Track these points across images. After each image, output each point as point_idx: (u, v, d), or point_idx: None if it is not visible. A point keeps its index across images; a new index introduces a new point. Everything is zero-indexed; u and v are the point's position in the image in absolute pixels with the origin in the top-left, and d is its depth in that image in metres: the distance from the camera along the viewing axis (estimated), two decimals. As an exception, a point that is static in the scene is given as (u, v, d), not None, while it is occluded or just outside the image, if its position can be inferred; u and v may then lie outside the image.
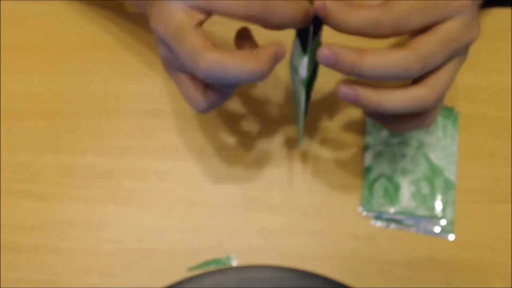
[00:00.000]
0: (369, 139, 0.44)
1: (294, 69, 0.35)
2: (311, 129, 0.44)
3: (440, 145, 0.43)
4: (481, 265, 0.41)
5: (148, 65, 0.46)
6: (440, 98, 0.31)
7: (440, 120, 0.44)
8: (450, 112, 0.44)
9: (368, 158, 0.43)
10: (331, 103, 0.45)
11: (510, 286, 0.41)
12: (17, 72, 0.47)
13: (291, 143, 0.44)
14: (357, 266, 0.42)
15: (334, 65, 0.30)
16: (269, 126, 0.45)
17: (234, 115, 0.45)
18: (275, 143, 0.44)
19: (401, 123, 0.34)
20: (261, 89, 0.46)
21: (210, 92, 0.33)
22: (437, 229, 0.42)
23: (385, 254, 0.42)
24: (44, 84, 0.46)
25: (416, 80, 0.32)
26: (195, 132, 0.45)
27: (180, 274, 0.42)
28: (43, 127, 0.45)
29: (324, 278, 0.41)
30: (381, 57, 0.29)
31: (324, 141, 0.44)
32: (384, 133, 0.44)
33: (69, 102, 0.46)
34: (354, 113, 0.45)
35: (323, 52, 0.29)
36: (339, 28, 0.30)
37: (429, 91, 0.30)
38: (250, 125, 0.45)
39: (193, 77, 0.33)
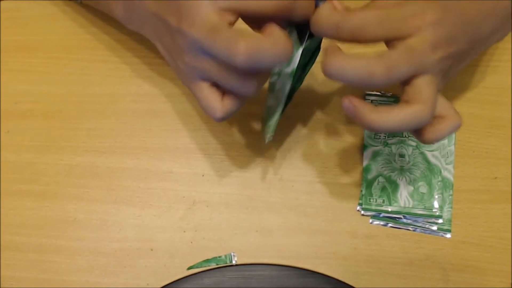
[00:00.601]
0: (368, 139, 0.44)
1: None
2: (310, 129, 0.45)
3: (437, 145, 0.44)
4: (478, 263, 0.41)
5: (148, 66, 0.47)
6: (433, 113, 0.32)
7: (438, 120, 0.44)
8: (447, 112, 0.44)
9: (366, 158, 0.44)
10: (331, 103, 0.45)
11: (508, 285, 0.41)
12: (17, 72, 0.47)
13: (291, 143, 0.44)
14: (355, 264, 0.42)
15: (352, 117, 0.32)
16: (268, 126, 0.45)
17: (234, 115, 0.45)
18: (275, 143, 0.44)
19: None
20: (261, 90, 0.46)
21: (227, 100, 0.34)
22: (434, 228, 0.42)
23: (383, 252, 0.42)
24: (44, 84, 0.47)
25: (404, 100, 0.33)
26: (195, 132, 0.45)
27: (180, 273, 0.42)
28: (43, 127, 0.45)
29: (323, 276, 0.41)
30: (347, 60, 0.30)
31: (323, 141, 0.44)
32: (383, 133, 0.44)
33: (69, 102, 0.46)
34: (352, 113, 0.45)
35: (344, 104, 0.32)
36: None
37: (422, 106, 0.31)
38: (250, 125, 0.45)
39: (213, 85, 0.34)
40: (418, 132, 0.34)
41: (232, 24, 0.31)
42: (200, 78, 0.34)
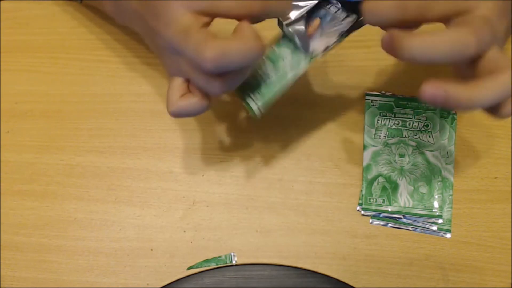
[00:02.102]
0: (368, 139, 0.44)
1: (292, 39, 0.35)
2: (310, 129, 0.45)
3: (437, 145, 0.44)
4: (478, 263, 0.42)
5: (148, 66, 0.47)
6: (480, 48, 0.30)
7: (437, 120, 0.44)
8: (447, 112, 0.44)
9: (366, 158, 0.44)
10: (331, 103, 0.45)
11: (508, 285, 0.41)
12: (17, 72, 0.47)
13: (291, 143, 0.44)
14: (355, 264, 0.42)
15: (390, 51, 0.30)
16: (269, 127, 0.45)
17: (234, 115, 0.45)
18: (275, 143, 0.45)
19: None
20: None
21: (185, 97, 0.34)
22: (434, 228, 0.42)
23: (383, 252, 0.42)
24: (44, 84, 0.47)
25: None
26: (195, 132, 0.45)
27: (180, 273, 0.42)
28: (43, 127, 0.45)
29: (323, 276, 0.41)
30: (433, 37, 0.29)
31: (323, 141, 0.44)
32: (383, 133, 0.44)
33: (69, 102, 0.46)
34: (353, 113, 0.45)
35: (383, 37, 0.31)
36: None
37: (472, 36, 0.29)
38: (250, 125, 0.45)
39: (185, 82, 0.35)
40: (496, 106, 0.31)
41: (207, 25, 0.32)
42: (175, 74, 0.35)
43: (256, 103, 0.36)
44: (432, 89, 0.29)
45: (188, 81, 0.35)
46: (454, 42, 0.29)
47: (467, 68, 0.31)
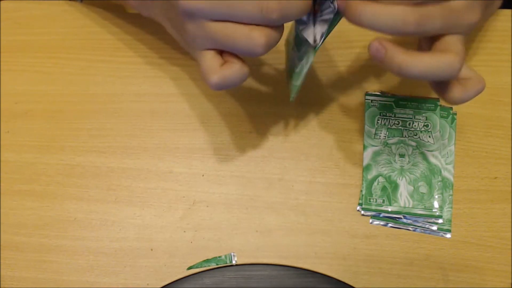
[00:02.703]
0: (368, 139, 0.44)
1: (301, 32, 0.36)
2: (311, 129, 0.45)
3: (437, 145, 0.44)
4: (478, 263, 0.42)
5: (148, 66, 0.47)
6: (461, 67, 0.32)
7: (437, 120, 0.44)
8: (447, 112, 0.44)
9: (366, 158, 0.44)
10: (331, 103, 0.45)
11: (508, 285, 0.41)
12: (17, 72, 0.47)
13: (291, 143, 0.44)
14: (355, 264, 0.42)
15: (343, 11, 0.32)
16: (269, 126, 0.45)
17: (234, 115, 0.45)
18: (275, 143, 0.45)
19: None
20: (261, 89, 0.46)
21: (226, 64, 0.34)
22: (434, 228, 0.42)
23: (383, 252, 0.42)
24: (44, 84, 0.47)
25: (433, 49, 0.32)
26: (195, 132, 0.45)
27: (180, 273, 0.42)
28: (43, 127, 0.45)
29: (323, 276, 0.41)
30: (381, 7, 0.30)
31: (323, 141, 0.44)
32: (383, 133, 0.44)
33: (69, 102, 0.46)
34: (353, 113, 0.45)
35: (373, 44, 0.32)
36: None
37: (456, 57, 0.31)
38: (250, 125, 0.45)
39: (217, 54, 0.34)
40: (444, 89, 0.34)
41: None
42: (204, 47, 0.34)
43: (292, 95, 0.40)
44: (376, 44, 0.32)
45: (220, 53, 0.34)
46: (394, 16, 0.30)
47: (427, 46, 0.34)
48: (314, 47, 0.35)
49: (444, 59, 0.31)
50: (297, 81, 0.38)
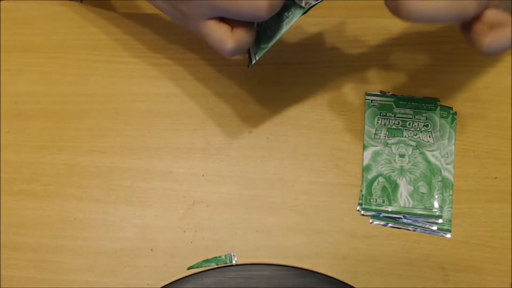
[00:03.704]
0: (368, 139, 0.44)
1: None
2: (311, 129, 0.45)
3: (438, 145, 0.44)
4: (478, 263, 0.42)
5: (148, 66, 0.47)
6: (481, 5, 0.31)
7: (437, 120, 0.44)
8: (447, 112, 0.44)
9: (366, 158, 0.44)
10: (331, 103, 0.45)
11: (508, 285, 0.41)
12: (17, 72, 0.47)
13: (291, 143, 0.44)
14: (355, 264, 0.42)
15: None
16: (269, 126, 0.45)
17: (234, 115, 0.45)
18: (275, 143, 0.45)
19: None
20: (261, 89, 0.46)
21: (237, 30, 0.33)
22: (434, 228, 0.42)
23: (383, 252, 0.42)
24: (44, 84, 0.47)
25: None
26: (195, 132, 0.45)
27: (181, 273, 0.42)
28: (43, 127, 0.45)
29: (323, 276, 0.41)
30: None
31: (323, 141, 0.44)
32: (383, 133, 0.44)
33: (69, 102, 0.46)
34: (353, 113, 0.45)
35: None
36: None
37: None
38: (250, 125, 0.45)
39: (220, 20, 0.33)
40: (470, 34, 0.32)
41: None
42: (204, 17, 0.33)
43: (253, 59, 0.37)
44: None
45: (222, 21, 0.34)
46: (454, 5, 0.29)
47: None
48: (304, 8, 0.34)
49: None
50: (267, 44, 0.36)
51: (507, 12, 0.33)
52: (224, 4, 0.32)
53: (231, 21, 0.34)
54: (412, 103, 0.45)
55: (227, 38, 0.33)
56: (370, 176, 0.43)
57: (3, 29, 0.48)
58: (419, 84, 0.45)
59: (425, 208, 0.42)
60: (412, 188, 0.43)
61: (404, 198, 0.43)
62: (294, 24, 0.35)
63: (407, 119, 0.44)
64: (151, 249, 0.42)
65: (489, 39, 0.31)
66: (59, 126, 0.45)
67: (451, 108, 0.45)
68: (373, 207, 0.43)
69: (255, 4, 0.31)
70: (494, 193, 0.43)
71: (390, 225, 0.43)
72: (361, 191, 0.43)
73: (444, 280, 0.41)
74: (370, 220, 0.43)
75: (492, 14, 0.31)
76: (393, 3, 0.31)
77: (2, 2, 0.49)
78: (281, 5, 0.33)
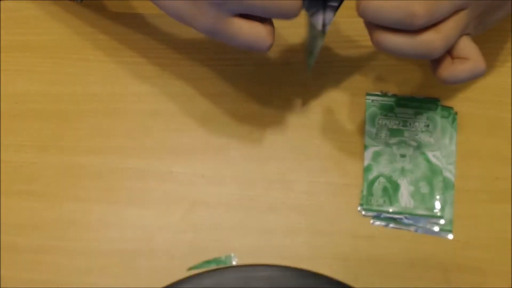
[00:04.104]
0: (368, 139, 0.44)
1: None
2: (310, 129, 0.45)
3: (438, 145, 0.44)
4: (480, 264, 0.41)
5: (148, 66, 0.47)
6: (447, 46, 0.31)
7: (438, 120, 0.44)
8: (448, 112, 0.44)
9: (367, 158, 0.44)
10: (331, 103, 0.45)
11: (509, 286, 0.41)
12: (17, 72, 0.47)
13: (290, 144, 0.44)
14: (356, 265, 0.42)
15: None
16: (269, 126, 0.45)
17: (234, 115, 0.45)
18: (275, 143, 0.44)
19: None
20: (261, 89, 0.46)
21: (269, 26, 0.32)
22: (436, 229, 0.42)
23: (384, 253, 0.42)
24: (44, 84, 0.47)
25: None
26: (195, 132, 0.45)
27: (180, 274, 0.42)
28: (43, 127, 0.45)
29: (323, 277, 0.41)
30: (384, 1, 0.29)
31: (324, 141, 0.44)
32: (384, 133, 0.44)
33: (69, 102, 0.46)
34: (354, 113, 0.45)
35: None
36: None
37: (437, 36, 0.30)
38: (250, 125, 0.45)
39: (247, 17, 0.32)
40: (434, 64, 0.33)
41: None
42: (232, 14, 0.31)
43: (310, 64, 0.42)
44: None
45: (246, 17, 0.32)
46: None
47: None
48: (323, 33, 0.35)
49: (423, 37, 0.30)
50: (310, 60, 0.41)
51: (476, 33, 0.33)
52: (252, 1, 0.30)
53: (254, 16, 0.32)
54: (412, 103, 0.45)
55: (265, 34, 0.32)
56: (371, 177, 0.43)
57: (3, 29, 0.48)
58: (420, 84, 0.45)
59: (426, 209, 0.42)
60: (413, 188, 0.43)
61: (405, 199, 0.43)
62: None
63: (408, 119, 0.44)
64: (151, 250, 0.42)
65: (448, 73, 0.32)
66: (59, 126, 0.45)
67: (452, 108, 0.44)
68: (374, 208, 0.43)
69: (287, 3, 0.30)
70: (496, 193, 0.43)
71: (391, 225, 0.42)
72: (362, 191, 0.43)
73: (445, 281, 0.41)
74: (371, 221, 0.43)
75: (458, 45, 0.31)
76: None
77: (2, 2, 0.49)
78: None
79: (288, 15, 0.31)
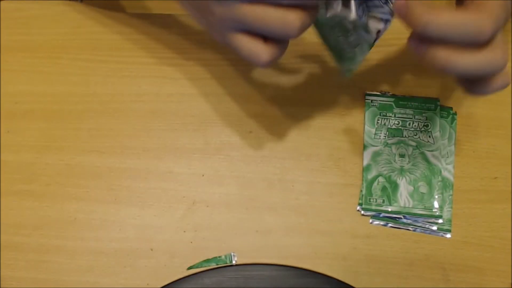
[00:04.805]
0: (368, 139, 0.44)
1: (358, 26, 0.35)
2: (310, 129, 0.45)
3: (437, 145, 0.44)
4: (478, 263, 0.41)
5: (149, 66, 0.47)
6: (497, 28, 0.29)
7: (438, 120, 0.44)
8: (447, 112, 0.44)
9: (366, 158, 0.44)
10: (331, 103, 0.45)
11: (508, 284, 0.41)
12: (17, 72, 0.47)
13: (291, 143, 0.44)
14: (355, 264, 0.42)
15: (403, 16, 0.29)
16: (269, 126, 0.45)
17: (234, 115, 0.45)
18: (275, 143, 0.44)
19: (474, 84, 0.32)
20: (261, 89, 0.46)
21: (270, 43, 0.33)
22: (434, 228, 0.42)
23: (383, 252, 0.42)
24: (44, 84, 0.46)
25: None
26: (195, 132, 0.45)
27: (181, 273, 0.42)
28: (43, 127, 0.45)
29: (323, 276, 0.41)
30: (452, 16, 0.27)
31: (323, 141, 0.44)
32: (383, 133, 0.44)
33: (69, 102, 0.46)
34: (353, 113, 0.45)
35: (397, 1, 0.29)
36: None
37: (498, 51, 0.28)
38: (250, 125, 0.45)
39: (251, 33, 0.33)
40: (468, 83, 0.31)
41: None
42: (233, 30, 0.33)
43: (351, 69, 0.39)
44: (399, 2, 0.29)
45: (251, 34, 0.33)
46: (471, 26, 0.27)
47: None
48: (371, 43, 0.35)
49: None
50: (352, 65, 0.39)
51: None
52: (253, 21, 0.31)
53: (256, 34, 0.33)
54: (412, 103, 0.45)
55: (261, 52, 0.32)
56: (370, 176, 0.43)
57: (3, 29, 0.48)
58: (419, 84, 0.45)
59: (425, 208, 0.42)
60: (412, 188, 0.43)
61: (404, 198, 0.43)
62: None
63: (407, 119, 0.44)
64: (151, 249, 0.42)
65: (487, 89, 0.31)
66: (59, 126, 0.45)
67: (451, 108, 0.45)
68: (373, 207, 0.43)
69: (287, 24, 0.30)
70: (494, 193, 0.43)
71: (390, 225, 0.43)
72: (361, 191, 0.43)
73: (444, 280, 0.41)
74: (370, 220, 0.43)
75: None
76: (403, 7, 0.30)
77: (2, 2, 0.49)
78: (311, 24, 0.32)
79: (286, 35, 0.31)
